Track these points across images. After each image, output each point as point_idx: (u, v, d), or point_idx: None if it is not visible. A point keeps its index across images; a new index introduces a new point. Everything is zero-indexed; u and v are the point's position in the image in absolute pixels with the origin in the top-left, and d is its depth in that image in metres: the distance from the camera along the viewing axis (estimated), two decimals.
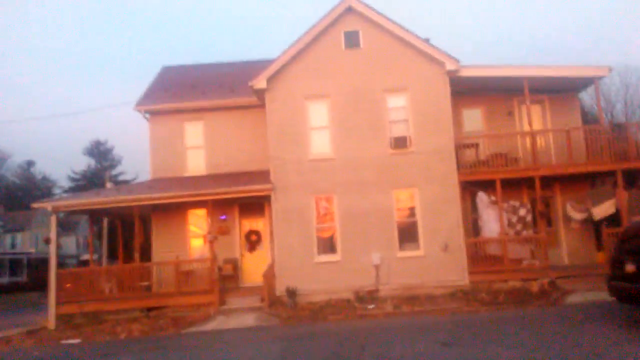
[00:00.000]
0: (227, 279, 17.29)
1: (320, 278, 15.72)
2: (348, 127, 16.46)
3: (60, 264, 48.22)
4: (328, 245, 16.21)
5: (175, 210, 17.68)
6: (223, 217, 17.86)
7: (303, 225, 16.10)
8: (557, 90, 17.99)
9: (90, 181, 53.93)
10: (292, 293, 15.26)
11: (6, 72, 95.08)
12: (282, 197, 16.19)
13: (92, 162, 61.25)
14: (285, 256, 15.95)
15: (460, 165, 16.33)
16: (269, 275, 15.61)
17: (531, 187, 16.44)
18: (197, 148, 18.75)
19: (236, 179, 16.97)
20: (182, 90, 19.59)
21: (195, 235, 18.07)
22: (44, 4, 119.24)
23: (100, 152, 62.04)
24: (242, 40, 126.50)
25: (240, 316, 14.59)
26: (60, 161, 76.91)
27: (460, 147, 16.82)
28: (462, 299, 14.35)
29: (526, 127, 17.13)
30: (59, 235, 53.39)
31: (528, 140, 17.12)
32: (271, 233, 16.46)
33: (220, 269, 16.73)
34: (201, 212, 17.58)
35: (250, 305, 15.22)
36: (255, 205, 17.87)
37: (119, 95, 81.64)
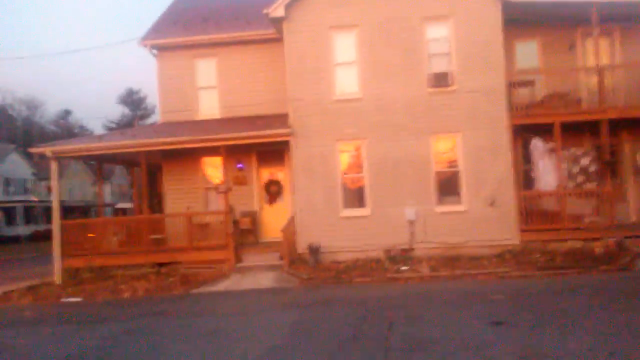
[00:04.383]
0: (245, 233, 15.78)
1: (347, 234, 14.06)
2: (379, 62, 14.30)
3: (95, 213, 48.82)
4: (356, 198, 14.41)
5: (188, 158, 15.99)
6: (240, 165, 16.11)
7: (327, 175, 14.30)
8: (632, 19, 15.14)
9: (125, 130, 53.56)
10: (314, 250, 13.68)
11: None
12: (303, 143, 14.31)
13: (126, 110, 61.13)
14: (307, 209, 14.28)
15: (512, 107, 14.13)
16: (289, 230, 14.02)
17: (596, 133, 14.20)
18: (210, 88, 16.73)
19: (252, 123, 15.08)
20: (193, 23, 17.38)
21: (210, 185, 16.46)
22: None
23: (133, 101, 62.06)
24: None
25: (256, 275, 13.32)
26: (97, 111, 76.85)
27: (512, 86, 14.53)
28: (511, 261, 12.41)
29: (590, 63, 14.66)
30: (94, 183, 52.70)
31: (593, 78, 14.57)
32: (293, 184, 14.70)
33: (236, 222, 15.24)
34: (216, 160, 15.87)
35: (268, 262, 13.93)
36: (275, 153, 15.96)
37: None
